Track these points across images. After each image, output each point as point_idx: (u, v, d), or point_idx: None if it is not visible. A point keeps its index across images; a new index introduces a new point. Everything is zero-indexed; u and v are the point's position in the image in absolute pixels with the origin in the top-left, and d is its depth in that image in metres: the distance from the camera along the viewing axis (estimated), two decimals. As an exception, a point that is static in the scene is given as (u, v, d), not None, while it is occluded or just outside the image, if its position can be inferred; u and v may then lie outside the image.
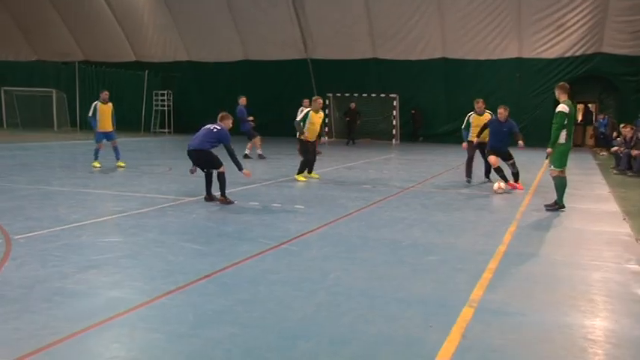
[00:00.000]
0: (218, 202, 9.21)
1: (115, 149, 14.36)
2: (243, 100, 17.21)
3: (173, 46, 29.69)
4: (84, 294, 4.71)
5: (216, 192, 9.42)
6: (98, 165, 13.96)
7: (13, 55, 31.72)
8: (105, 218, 7.84)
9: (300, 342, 3.90)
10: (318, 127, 12.80)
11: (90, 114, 14.21)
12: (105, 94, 14.57)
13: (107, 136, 14.42)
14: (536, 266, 6.01)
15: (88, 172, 13.25)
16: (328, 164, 16.06)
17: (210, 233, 7.10)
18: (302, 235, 7.10)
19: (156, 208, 8.70)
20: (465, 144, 12.62)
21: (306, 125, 12.47)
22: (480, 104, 12.63)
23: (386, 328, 4.20)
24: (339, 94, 27.22)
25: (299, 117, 13.00)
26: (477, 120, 12.54)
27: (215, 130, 9.33)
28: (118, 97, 29.72)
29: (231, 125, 9.59)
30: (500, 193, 10.97)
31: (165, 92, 29.88)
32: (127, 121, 28.88)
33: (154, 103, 29.98)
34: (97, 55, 30.63)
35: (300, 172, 12.56)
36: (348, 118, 25.53)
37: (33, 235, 6.71)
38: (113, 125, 14.47)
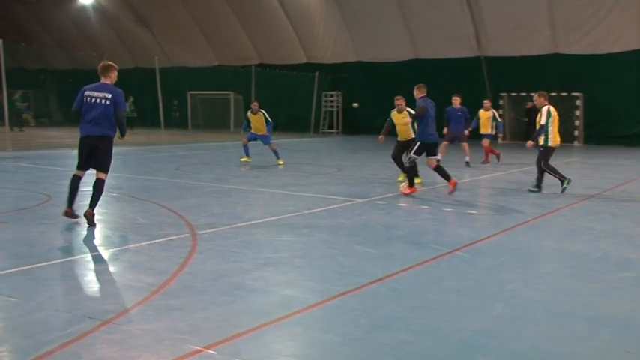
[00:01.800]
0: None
1: (275, 152, 15.40)
2: (457, 101, 15.37)
3: (343, 46, 30.39)
4: (261, 290, 4.99)
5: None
6: (244, 159, 15.26)
7: (200, 61, 34.74)
8: (278, 217, 8.25)
9: (477, 355, 3.77)
10: (402, 128, 11.52)
11: (243, 126, 16.26)
12: (255, 105, 15.65)
13: (262, 139, 15.57)
14: None
15: (261, 171, 14.09)
16: (502, 168, 15.40)
17: (380, 236, 7.16)
18: (476, 242, 6.88)
19: (326, 208, 8.97)
20: None
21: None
22: None
23: (575, 349, 3.90)
24: (514, 94, 26.01)
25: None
26: None
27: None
28: (289, 99, 31.52)
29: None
30: None
31: (335, 93, 30.79)
32: (297, 122, 30.38)
33: (324, 104, 31.05)
34: (271, 57, 32.35)
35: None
36: (526, 119, 24.30)
37: (214, 230, 7.27)
38: (268, 131, 15.46)
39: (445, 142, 15.17)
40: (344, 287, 5.06)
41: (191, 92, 33.07)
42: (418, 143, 10.36)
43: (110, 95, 7.49)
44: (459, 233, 7.39)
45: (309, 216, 8.36)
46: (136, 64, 35.83)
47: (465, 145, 15.40)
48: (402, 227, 7.72)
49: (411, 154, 10.43)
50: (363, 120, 29.94)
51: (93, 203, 7.54)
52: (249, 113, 15.66)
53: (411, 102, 11.18)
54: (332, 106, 31.18)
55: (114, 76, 7.74)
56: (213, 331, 4.04)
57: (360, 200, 9.76)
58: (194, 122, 33.20)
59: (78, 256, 6.11)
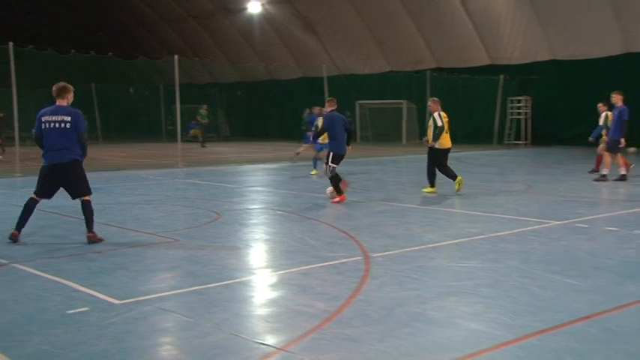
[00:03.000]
0: None
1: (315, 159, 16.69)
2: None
3: (534, 44, 29.11)
4: (443, 323, 4.90)
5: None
6: (313, 172, 16.59)
7: (369, 68, 35.44)
8: (460, 240, 8.09)
9: None
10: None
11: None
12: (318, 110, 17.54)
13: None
14: None
15: (438, 188, 13.92)
16: None
17: (584, 265, 6.71)
18: None
19: (516, 231, 8.64)
20: None
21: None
22: None
23: None
24: None
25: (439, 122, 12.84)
26: None
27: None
28: (469, 106, 30.90)
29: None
30: None
31: (522, 98, 29.62)
32: (477, 133, 29.68)
33: (509, 111, 29.98)
34: (449, 61, 31.94)
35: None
36: None
37: (389, 254, 7.31)
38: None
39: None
40: (541, 324, 4.80)
41: (360, 102, 33.74)
42: (331, 153, 11.79)
43: (69, 118, 7.78)
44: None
45: (496, 239, 8.10)
46: (302, 73, 37.53)
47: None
48: (612, 255, 7.17)
49: (330, 163, 11.70)
50: (557, 128, 28.43)
51: (89, 225, 7.91)
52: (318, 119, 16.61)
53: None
54: (519, 114, 29.99)
55: (70, 97, 8.03)
56: (392, 366, 4.04)
57: (557, 222, 9.28)
58: (362, 134, 33.82)
59: (248, 277, 6.48)
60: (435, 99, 13.36)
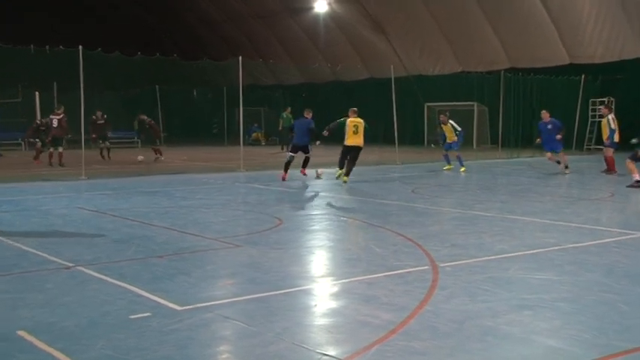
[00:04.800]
0: None
1: (459, 158, 19.56)
2: None
3: (620, 40, 28.13)
4: (518, 338, 4.79)
5: None
6: (446, 167, 19.67)
7: (439, 69, 35.08)
8: (535, 251, 7.91)
9: None
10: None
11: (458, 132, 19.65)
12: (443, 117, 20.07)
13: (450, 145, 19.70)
14: None
15: (510, 195, 13.65)
16: None
17: (673, 280, 6.44)
18: None
19: (597, 242, 8.42)
20: None
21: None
22: None
23: None
24: None
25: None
26: None
27: None
28: (547, 109, 30.01)
29: None
30: None
31: (606, 100, 28.70)
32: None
33: (591, 113, 29.11)
34: (524, 60, 31.26)
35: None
36: None
37: (458, 263, 7.20)
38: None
39: None
40: (629, 343, 4.63)
41: (429, 104, 33.41)
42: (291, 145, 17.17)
43: None
44: None
45: (574, 251, 7.89)
46: (370, 74, 37.46)
47: None
48: None
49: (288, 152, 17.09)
50: (644, 132, 27.39)
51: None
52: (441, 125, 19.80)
53: None
54: (601, 117, 29.05)
55: None
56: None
57: (644, 234, 8.96)
58: (430, 138, 33.47)
59: (310, 286, 6.50)
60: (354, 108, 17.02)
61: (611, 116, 18.28)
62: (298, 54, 41.17)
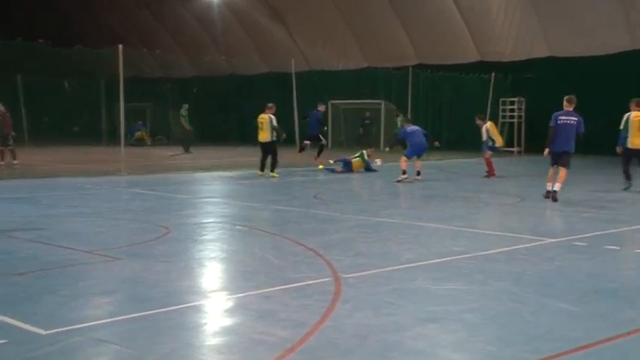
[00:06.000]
0: None
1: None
2: None
3: (529, 38, 29.43)
4: (424, 353, 4.93)
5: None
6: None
7: (344, 64, 35.53)
8: (443, 259, 8.13)
9: None
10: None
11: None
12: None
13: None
14: None
15: (418, 200, 14.02)
16: None
17: (582, 289, 6.81)
18: None
19: (506, 249, 8.74)
20: None
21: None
22: None
23: None
24: None
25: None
26: None
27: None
28: (455, 107, 31.16)
29: None
30: None
31: (516, 100, 29.97)
32: (465, 138, 29.90)
33: (501, 113, 30.26)
34: (434, 56, 32.11)
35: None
36: None
37: (362, 274, 7.31)
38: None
39: None
40: (534, 354, 4.85)
41: (333, 101, 33.77)
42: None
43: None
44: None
45: (483, 259, 8.16)
46: (268, 68, 37.51)
47: None
48: (613, 278, 7.31)
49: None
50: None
51: None
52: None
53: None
54: (512, 117, 30.32)
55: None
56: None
57: (553, 240, 9.41)
58: (336, 139, 33.80)
59: (200, 302, 6.42)
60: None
61: (485, 127, 19.12)
62: (189, 45, 40.68)
